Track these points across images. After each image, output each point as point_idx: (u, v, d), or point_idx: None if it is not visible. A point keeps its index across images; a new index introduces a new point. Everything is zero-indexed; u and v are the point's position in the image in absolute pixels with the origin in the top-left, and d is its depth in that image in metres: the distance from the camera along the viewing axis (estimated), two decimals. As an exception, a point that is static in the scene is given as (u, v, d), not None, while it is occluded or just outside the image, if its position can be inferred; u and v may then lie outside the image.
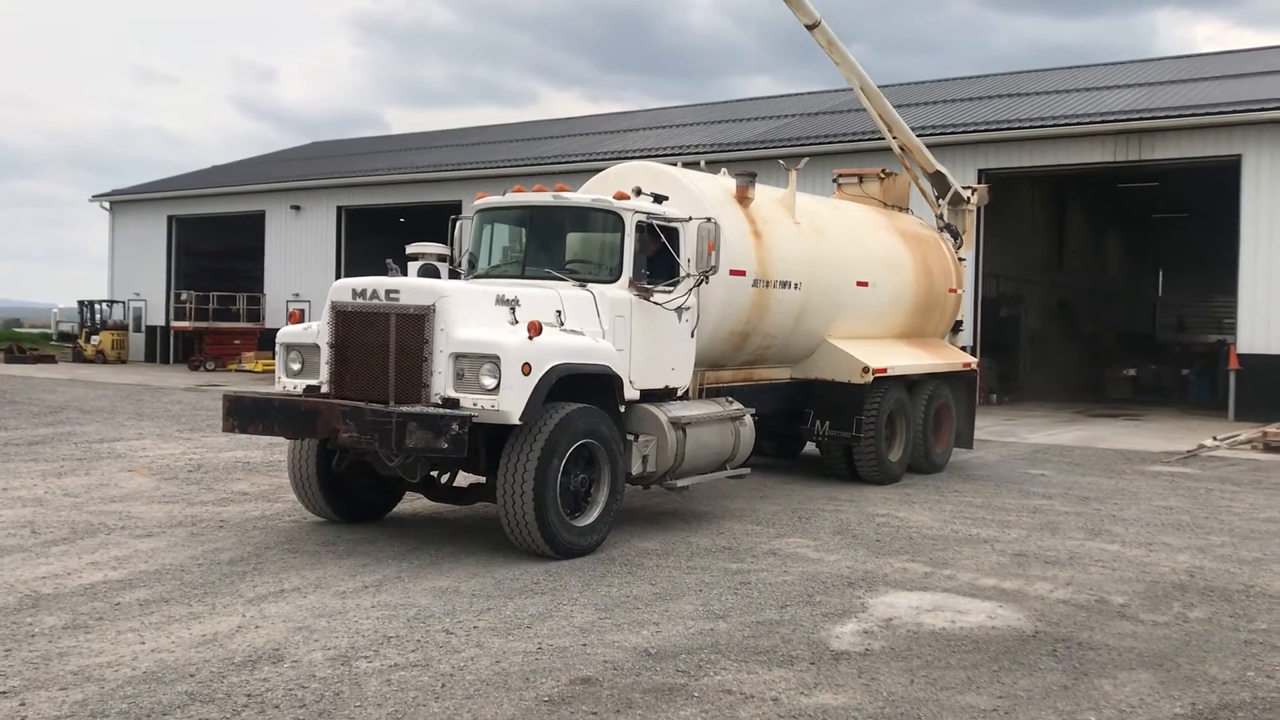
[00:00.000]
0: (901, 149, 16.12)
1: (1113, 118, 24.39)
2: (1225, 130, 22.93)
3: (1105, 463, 15.64)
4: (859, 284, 13.05)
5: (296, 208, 38.33)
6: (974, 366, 15.43)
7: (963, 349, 16.12)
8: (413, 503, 10.57)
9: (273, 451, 14.24)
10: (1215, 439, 18.16)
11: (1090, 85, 29.43)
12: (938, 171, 16.20)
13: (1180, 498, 12.40)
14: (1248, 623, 7.12)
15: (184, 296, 38.62)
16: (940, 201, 16.24)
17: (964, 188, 16.60)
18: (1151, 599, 7.68)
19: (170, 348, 41.22)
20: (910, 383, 13.63)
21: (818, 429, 12.80)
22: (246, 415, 8.80)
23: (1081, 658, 6.29)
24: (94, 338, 40.30)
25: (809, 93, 39.12)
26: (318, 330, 8.98)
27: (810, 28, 14.48)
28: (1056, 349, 33.13)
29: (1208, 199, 30.02)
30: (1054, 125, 25.03)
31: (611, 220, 9.60)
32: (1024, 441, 18.38)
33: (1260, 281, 22.39)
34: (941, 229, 15.91)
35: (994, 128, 25.89)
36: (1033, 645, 6.51)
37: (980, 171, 24.93)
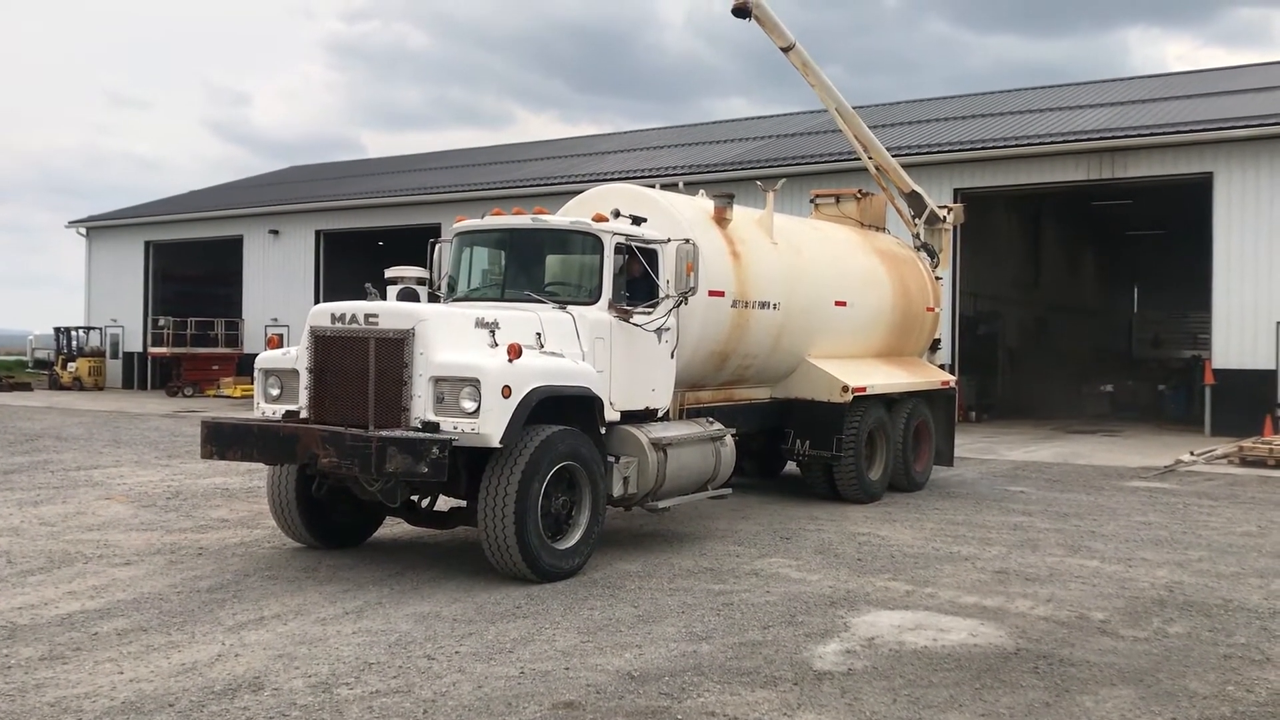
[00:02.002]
0: (878, 169, 16.24)
1: (1086, 137, 24.64)
2: (1196, 149, 23.21)
3: (1084, 479, 15.72)
4: (837, 303, 13.11)
5: (275, 232, 38.24)
6: (953, 384, 15.51)
7: (941, 367, 16.21)
8: (393, 527, 10.52)
9: (252, 478, 14.16)
10: (1192, 454, 18.29)
11: (1064, 104, 29.73)
12: (914, 191, 16.33)
13: (1158, 513, 12.48)
14: (1226, 637, 7.16)
15: (161, 322, 38.40)
16: (916, 221, 16.36)
17: (940, 207, 16.73)
18: (1131, 614, 7.72)
19: (148, 374, 40.94)
20: (890, 401, 13.68)
21: (798, 448, 12.82)
22: (225, 441, 8.75)
23: (1063, 674, 6.31)
24: (71, 365, 39.99)
25: (785, 114, 39.38)
26: (296, 355, 8.96)
27: (785, 50, 14.58)
28: (1034, 366, 33.36)
29: (1181, 216, 30.33)
30: (1028, 144, 25.27)
31: (590, 242, 9.62)
32: (1003, 458, 18.46)
33: (1233, 297, 22.62)
34: (918, 248, 16.02)
35: (969, 147, 26.11)
36: (1014, 662, 6.53)
37: (956, 191, 25.13)
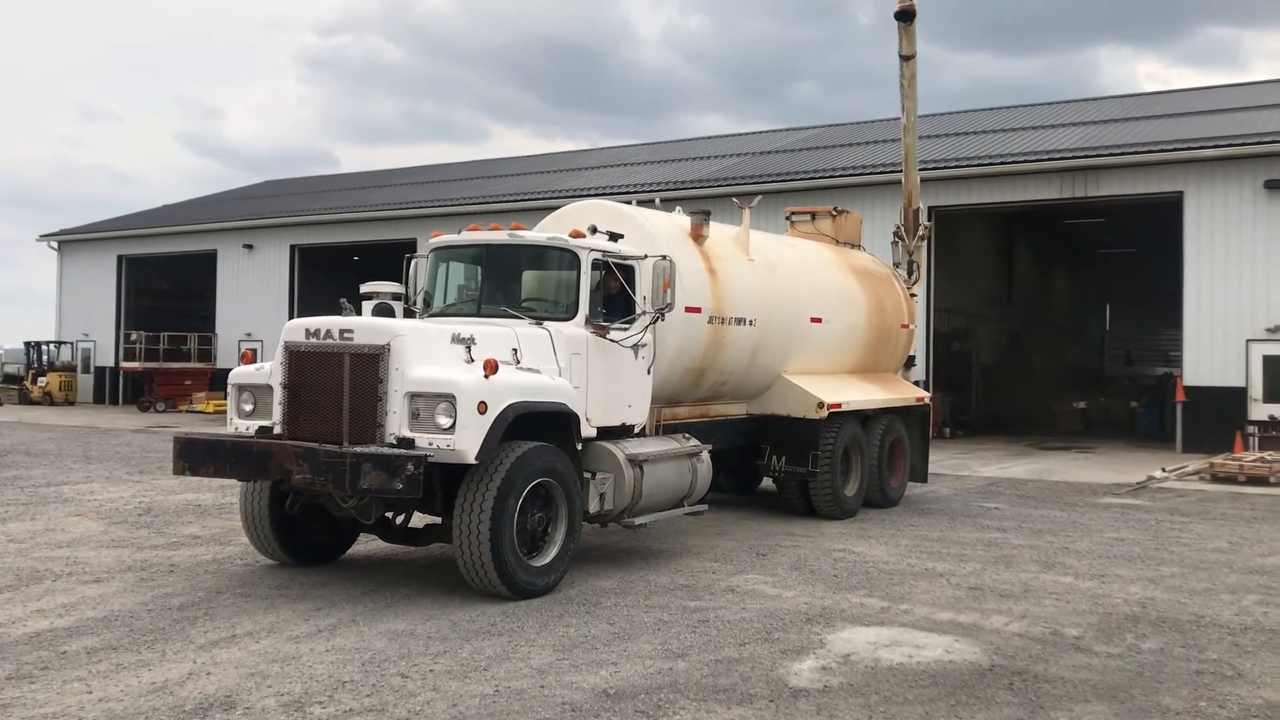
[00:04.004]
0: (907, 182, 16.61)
1: (1059, 155, 24.89)
2: (1168, 168, 23.48)
3: (1057, 495, 15.81)
4: (813, 320, 13.16)
5: (249, 247, 38.06)
6: (927, 401, 15.57)
7: (916, 383, 16.28)
8: (367, 544, 10.45)
9: (224, 494, 14.04)
10: (1164, 470, 18.43)
11: (1037, 124, 30.04)
12: (917, 209, 16.67)
13: (1131, 529, 12.55)
14: (1199, 653, 7.20)
15: (134, 337, 38.09)
16: (911, 239, 16.60)
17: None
18: (1105, 630, 7.75)
19: (120, 389, 40.59)
20: (865, 417, 13.73)
21: (774, 464, 12.84)
22: (198, 457, 8.67)
23: (1037, 690, 6.33)
24: (41, 379, 39.60)
25: (760, 132, 39.61)
26: (270, 371, 8.90)
27: (906, 58, 15.14)
28: (1008, 383, 33.58)
29: (1152, 235, 30.68)
30: (1002, 163, 25.49)
31: (567, 258, 9.62)
32: (977, 475, 18.54)
33: (1204, 315, 22.86)
34: (910, 264, 16.29)
35: (944, 165, 26.30)
36: (989, 679, 6.55)
37: (930, 209, 25.28)
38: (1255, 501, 15.18)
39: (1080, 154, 24.63)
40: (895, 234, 16.77)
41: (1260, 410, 21.88)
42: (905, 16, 14.66)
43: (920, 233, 16.58)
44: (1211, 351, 22.73)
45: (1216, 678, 6.65)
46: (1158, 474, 18.08)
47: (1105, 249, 39.67)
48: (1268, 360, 22.10)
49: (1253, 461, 17.85)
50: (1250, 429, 21.53)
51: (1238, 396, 22.20)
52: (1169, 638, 7.58)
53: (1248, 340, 22.29)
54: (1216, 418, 21.94)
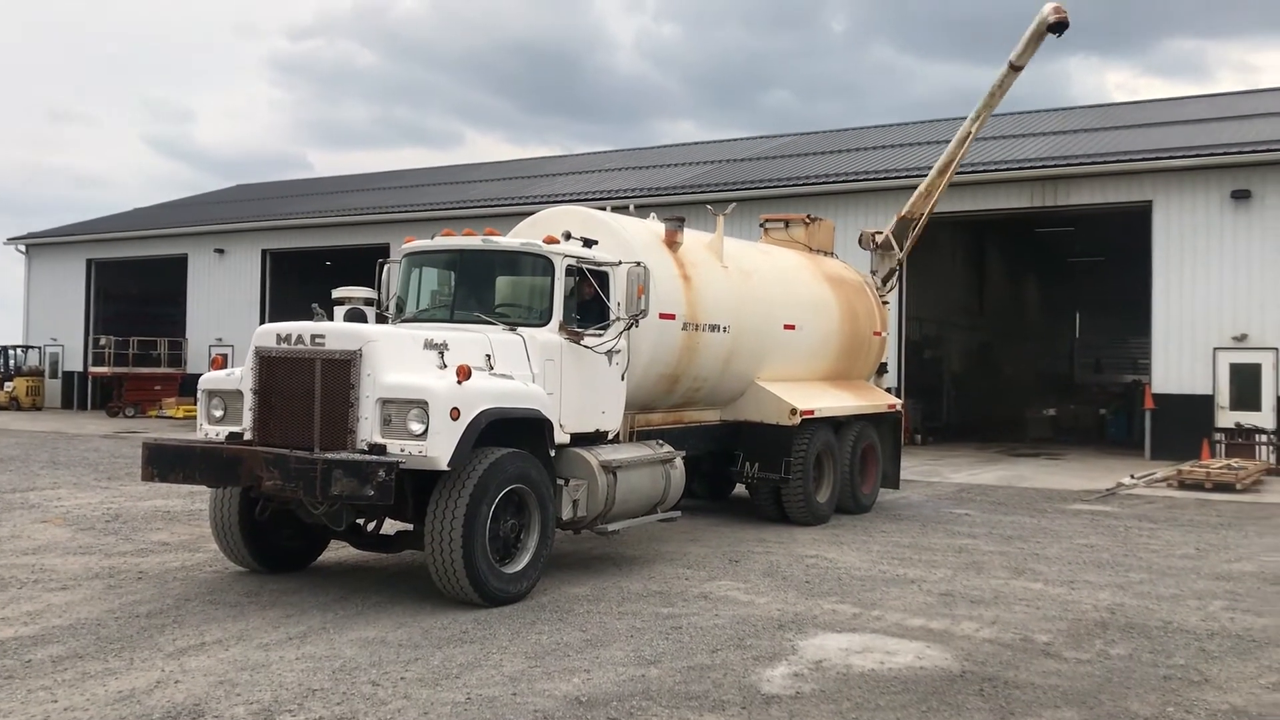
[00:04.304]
0: (928, 191, 16.73)
1: (1030, 165, 25.11)
2: (1136, 178, 23.74)
3: (1027, 501, 15.92)
4: (786, 327, 13.20)
5: (220, 251, 37.80)
6: (899, 408, 15.64)
7: (888, 390, 16.36)
8: (338, 551, 10.39)
9: (194, 500, 13.93)
10: (1133, 477, 18.59)
11: (1008, 133, 30.26)
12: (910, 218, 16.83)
13: (1100, 535, 12.65)
14: (1166, 658, 7.27)
15: (103, 341, 37.73)
16: (901, 248, 16.70)
17: (875, 233, 16.98)
18: (1074, 636, 7.81)
19: (88, 394, 40.20)
20: (837, 424, 13.78)
21: (747, 471, 12.86)
22: (167, 463, 8.60)
23: (1008, 696, 6.37)
24: (7, 384, 39.16)
25: (734, 139, 39.70)
26: (241, 376, 8.84)
27: (1016, 68, 15.55)
28: (978, 390, 33.81)
29: (1122, 243, 30.99)
30: (974, 172, 25.64)
31: (541, 264, 9.61)
32: (948, 481, 18.64)
33: (1172, 324, 23.11)
34: (891, 273, 16.39)
35: (915, 174, 26.40)
36: (960, 685, 6.58)
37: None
38: (1222, 508, 15.35)
39: (1050, 163, 24.86)
40: (874, 242, 16.74)
41: (1227, 418, 22.13)
42: (1060, 28, 15.15)
43: (884, 241, 16.65)
44: (1179, 359, 22.98)
45: (1184, 683, 6.71)
46: (1126, 481, 18.24)
47: (1075, 257, 40.04)
48: (1234, 368, 22.36)
49: (1220, 468, 18.04)
50: (1217, 436, 21.77)
51: (1205, 404, 22.45)
52: (1137, 643, 7.65)
53: (1215, 348, 22.55)
54: (1184, 425, 22.18)
